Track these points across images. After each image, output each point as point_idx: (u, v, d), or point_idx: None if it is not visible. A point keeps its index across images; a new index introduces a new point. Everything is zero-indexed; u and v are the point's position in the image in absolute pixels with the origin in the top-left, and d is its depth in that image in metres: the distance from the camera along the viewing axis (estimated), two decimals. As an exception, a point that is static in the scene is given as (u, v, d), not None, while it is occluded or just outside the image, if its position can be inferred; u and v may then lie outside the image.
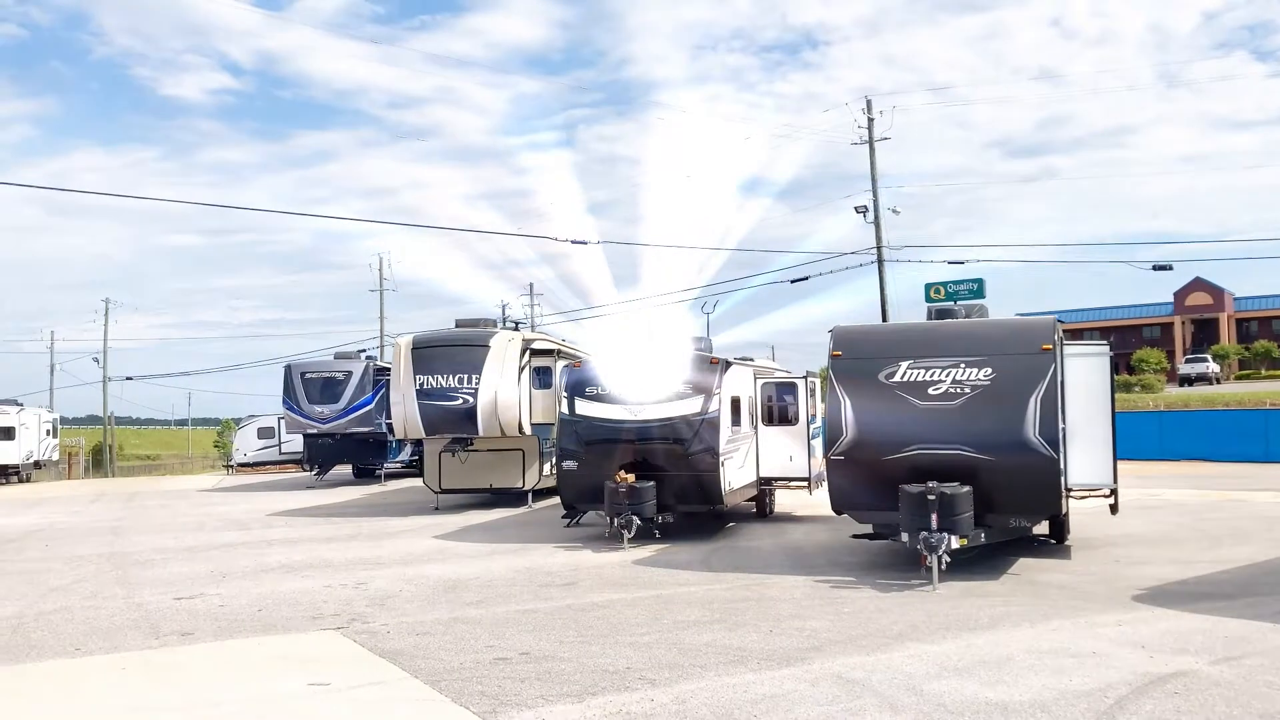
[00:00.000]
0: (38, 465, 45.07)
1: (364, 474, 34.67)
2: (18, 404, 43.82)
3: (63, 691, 8.37)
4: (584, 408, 16.73)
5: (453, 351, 21.79)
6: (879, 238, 37.80)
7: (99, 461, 62.32)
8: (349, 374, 31.63)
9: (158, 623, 10.84)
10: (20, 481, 42.26)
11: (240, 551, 16.62)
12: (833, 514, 13.96)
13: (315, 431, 32.06)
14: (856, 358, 13.40)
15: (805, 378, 18.80)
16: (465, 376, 21.39)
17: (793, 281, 37.72)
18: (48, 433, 46.40)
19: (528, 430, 21.94)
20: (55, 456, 49.07)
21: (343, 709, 7.68)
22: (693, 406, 16.16)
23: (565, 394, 17.17)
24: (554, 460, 18.42)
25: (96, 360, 66.46)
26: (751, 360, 19.67)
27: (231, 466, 47.22)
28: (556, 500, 18.94)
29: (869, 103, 38.49)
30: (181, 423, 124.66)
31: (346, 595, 12.18)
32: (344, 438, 32.15)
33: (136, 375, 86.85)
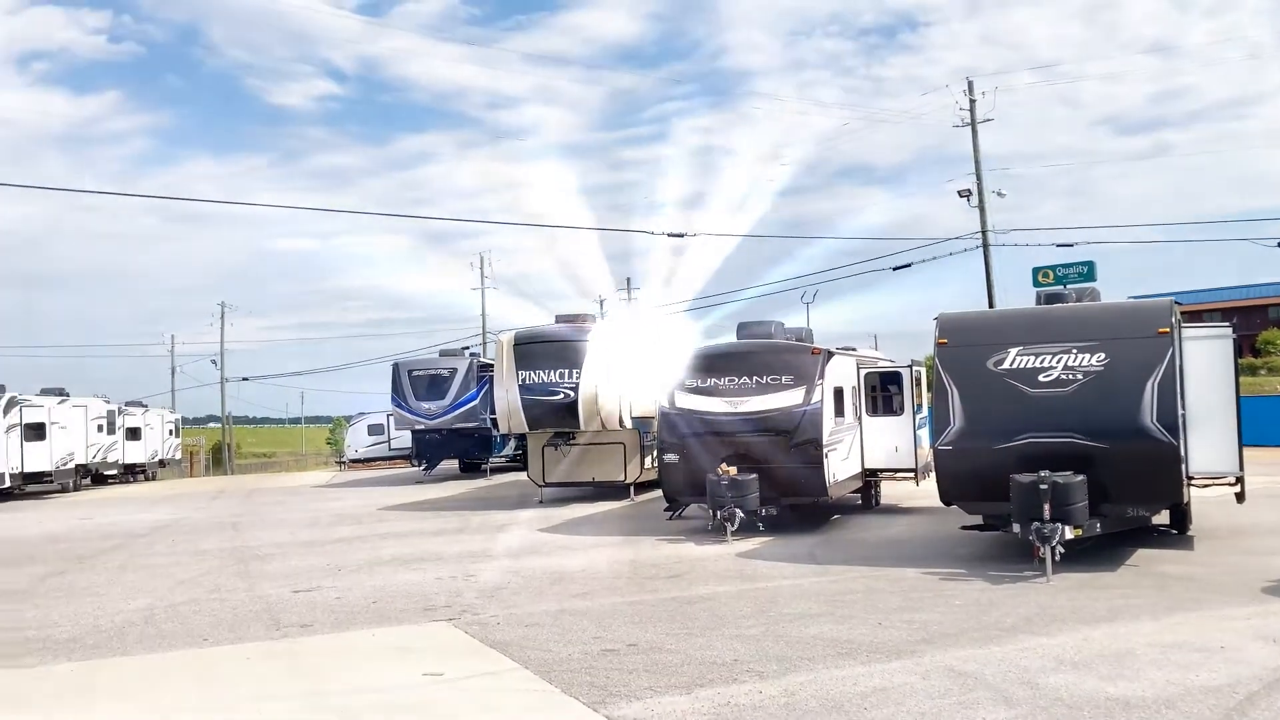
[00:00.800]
0: (162, 464, 47.14)
1: (470, 468, 35.24)
2: (143, 405, 45.77)
3: (194, 679, 8.74)
4: (685, 401, 16.73)
5: (553, 347, 22.07)
6: (984, 222, 36.82)
7: (218, 460, 64.72)
8: (454, 371, 32.25)
9: (278, 615, 11.24)
10: (146, 479, 44.25)
11: (354, 545, 17.12)
12: (941, 505, 13.73)
13: (423, 427, 32.77)
14: (963, 345, 13.14)
15: (910, 366, 18.49)
16: (566, 371, 21.65)
17: (895, 269, 36.93)
18: (170, 433, 48.47)
19: (628, 424, 22.08)
20: (178, 455, 51.24)
21: (457, 698, 7.85)
22: (795, 398, 16.02)
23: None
24: (655, 453, 18.50)
25: (214, 362, 68.81)
26: (854, 349, 19.41)
27: (343, 463, 48.64)
28: (659, 493, 19.00)
29: (970, 84, 37.49)
30: (295, 421, 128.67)
31: (456, 587, 12.45)
32: (450, 433, 32.70)
33: (252, 376, 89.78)
